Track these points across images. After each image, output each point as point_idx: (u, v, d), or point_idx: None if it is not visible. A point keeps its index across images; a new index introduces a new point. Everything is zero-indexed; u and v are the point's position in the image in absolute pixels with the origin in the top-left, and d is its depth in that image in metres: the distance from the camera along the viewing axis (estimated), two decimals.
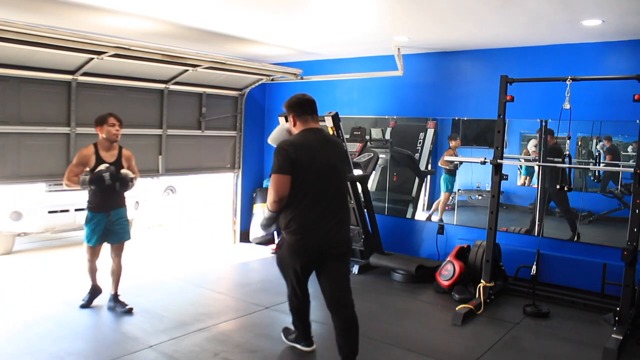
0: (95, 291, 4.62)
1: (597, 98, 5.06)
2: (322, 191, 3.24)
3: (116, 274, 4.56)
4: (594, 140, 5.37)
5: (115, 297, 4.56)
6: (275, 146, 3.33)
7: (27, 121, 4.95)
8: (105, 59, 4.93)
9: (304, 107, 3.36)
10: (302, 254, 3.28)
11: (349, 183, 5.77)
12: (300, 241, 3.23)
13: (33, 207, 6.44)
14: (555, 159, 5.40)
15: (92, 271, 4.55)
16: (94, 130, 4.40)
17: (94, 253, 4.47)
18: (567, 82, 4.40)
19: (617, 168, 5.27)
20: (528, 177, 6.13)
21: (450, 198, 6.22)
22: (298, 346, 3.80)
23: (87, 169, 4.28)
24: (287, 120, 3.47)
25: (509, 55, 5.61)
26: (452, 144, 6.11)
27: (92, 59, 4.93)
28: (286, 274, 3.51)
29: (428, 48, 5.99)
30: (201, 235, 8.17)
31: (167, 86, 6.11)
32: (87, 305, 4.55)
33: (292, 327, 3.86)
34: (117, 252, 4.51)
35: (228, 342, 3.95)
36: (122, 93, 5.70)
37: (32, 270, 5.98)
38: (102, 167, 4.25)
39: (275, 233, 7.28)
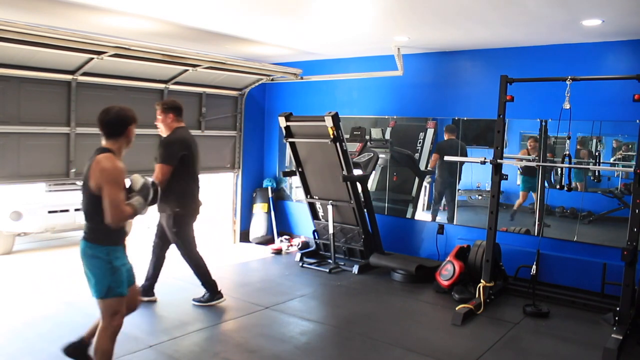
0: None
1: (597, 98, 5.06)
2: (196, 173, 4.61)
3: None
4: (594, 140, 5.38)
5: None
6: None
7: (27, 121, 4.95)
8: (105, 59, 4.93)
9: (182, 111, 4.58)
10: (192, 217, 4.64)
11: (349, 183, 5.80)
12: (192, 209, 4.60)
13: (33, 207, 6.43)
14: (448, 155, 5.47)
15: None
16: (94, 130, 3.11)
17: (122, 305, 3.01)
18: (567, 82, 4.41)
19: (616, 168, 5.27)
20: None
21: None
22: (215, 302, 4.69)
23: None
24: (164, 114, 4.52)
25: (509, 55, 5.61)
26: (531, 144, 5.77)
27: (92, 59, 4.93)
28: (187, 237, 4.64)
29: (428, 48, 5.99)
30: (201, 235, 8.14)
31: (167, 86, 6.11)
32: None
33: (202, 303, 4.72)
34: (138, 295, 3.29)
35: (228, 342, 3.95)
36: (122, 93, 5.69)
37: (32, 270, 5.98)
38: (138, 177, 3.07)
39: (275, 234, 7.30)
